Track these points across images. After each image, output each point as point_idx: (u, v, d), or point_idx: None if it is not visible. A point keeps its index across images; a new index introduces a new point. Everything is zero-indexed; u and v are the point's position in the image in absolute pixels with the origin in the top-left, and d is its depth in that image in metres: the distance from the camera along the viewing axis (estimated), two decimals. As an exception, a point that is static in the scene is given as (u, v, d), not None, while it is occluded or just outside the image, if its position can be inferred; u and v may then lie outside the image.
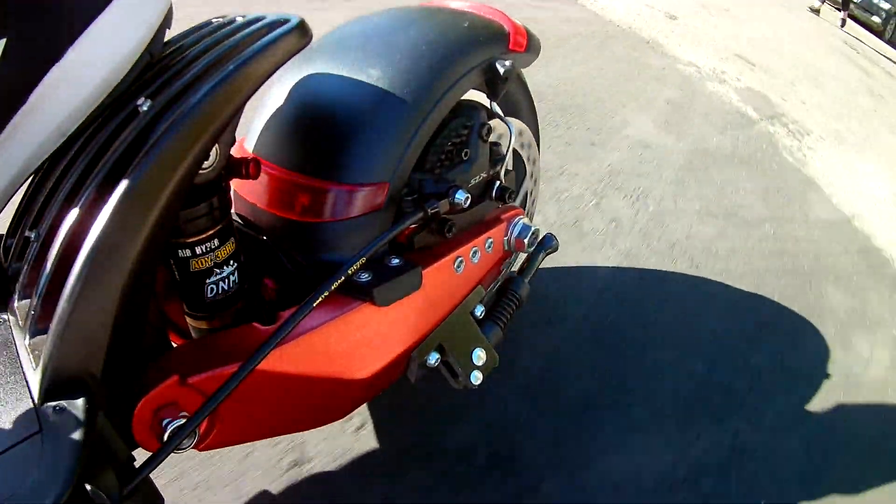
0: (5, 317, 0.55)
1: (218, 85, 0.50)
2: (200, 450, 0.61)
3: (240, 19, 0.60)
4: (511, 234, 0.93)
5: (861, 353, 1.45)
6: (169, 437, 0.54)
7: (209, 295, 0.63)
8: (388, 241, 0.71)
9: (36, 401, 0.47)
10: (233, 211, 0.70)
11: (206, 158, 0.56)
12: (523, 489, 0.94)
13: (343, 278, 0.64)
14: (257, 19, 0.59)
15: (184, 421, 0.55)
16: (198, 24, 0.63)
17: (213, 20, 0.63)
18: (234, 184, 0.81)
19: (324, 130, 0.75)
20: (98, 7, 0.50)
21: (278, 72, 0.70)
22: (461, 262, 0.80)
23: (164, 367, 0.57)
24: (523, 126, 1.08)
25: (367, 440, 0.96)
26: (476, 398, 1.05)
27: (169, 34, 0.59)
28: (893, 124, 3.69)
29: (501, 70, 0.86)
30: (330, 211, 0.73)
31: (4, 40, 0.45)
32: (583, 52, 3.00)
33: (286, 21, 0.57)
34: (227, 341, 0.62)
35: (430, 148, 0.80)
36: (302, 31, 0.57)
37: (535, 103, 1.13)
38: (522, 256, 0.98)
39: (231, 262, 0.64)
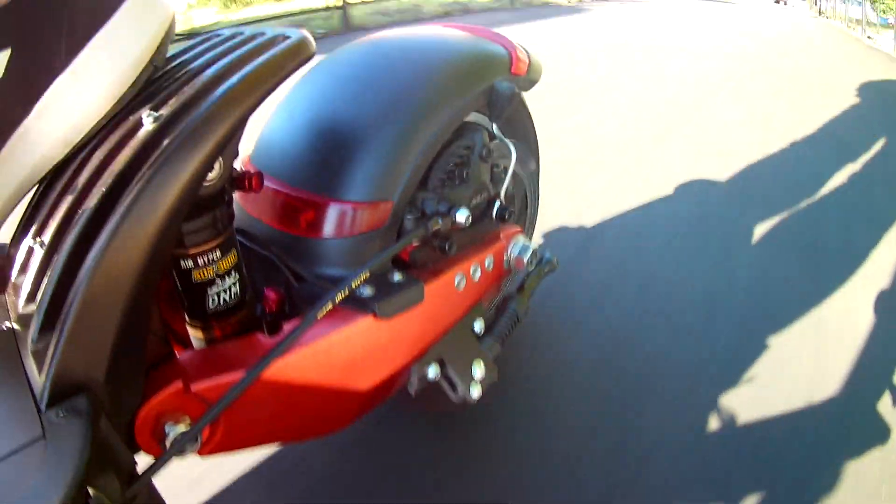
0: (9, 324, 0.55)
1: (221, 99, 0.51)
2: (202, 455, 0.60)
3: (243, 34, 0.61)
4: (511, 252, 0.94)
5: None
6: (171, 442, 0.54)
7: (211, 305, 0.63)
8: (390, 258, 0.72)
9: (39, 406, 0.47)
10: (237, 225, 0.70)
11: (211, 171, 0.56)
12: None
13: (346, 291, 0.64)
14: (260, 34, 0.60)
15: (186, 427, 0.55)
16: (202, 37, 0.64)
17: (217, 33, 0.64)
18: (240, 199, 0.82)
19: (330, 148, 0.76)
20: (102, 18, 0.50)
21: (286, 88, 0.70)
22: (462, 278, 0.81)
23: (168, 374, 0.57)
24: (524, 148, 1.10)
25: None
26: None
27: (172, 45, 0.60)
28: None
29: (503, 93, 0.88)
30: (335, 228, 0.74)
31: (8, 51, 0.46)
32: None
33: (288, 36, 0.58)
34: (231, 350, 0.63)
35: (432, 167, 0.82)
36: (304, 46, 0.57)
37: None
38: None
39: (233, 273, 0.64)
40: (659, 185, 1.94)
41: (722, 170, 2.08)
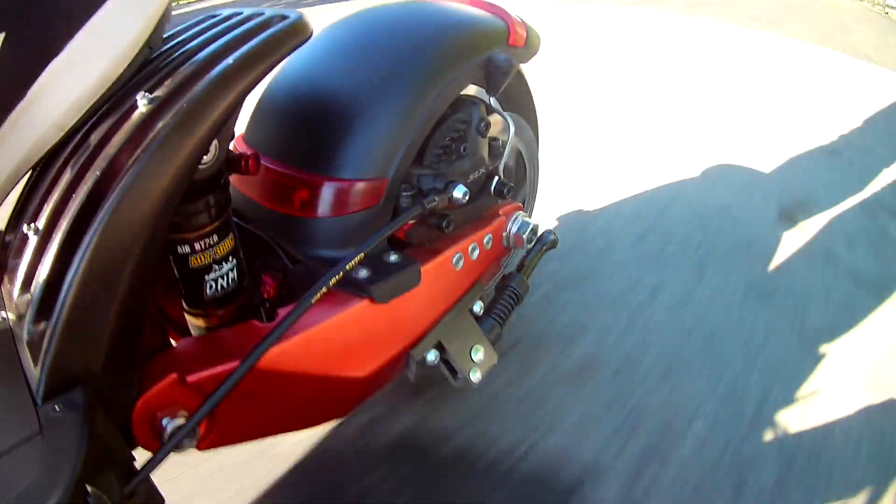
0: (4, 314, 0.55)
1: (217, 80, 0.50)
2: (201, 449, 0.61)
3: (239, 14, 0.60)
4: (510, 230, 0.93)
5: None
6: (168, 436, 0.54)
7: (208, 292, 0.63)
8: (387, 237, 0.71)
9: (36, 400, 0.47)
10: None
11: (206, 153, 0.55)
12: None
13: (341, 274, 0.63)
14: (257, 14, 0.59)
15: (183, 420, 0.55)
16: (198, 19, 0.63)
17: (213, 15, 0.63)
18: (232, 179, 0.81)
19: (323, 125, 0.74)
20: (97, 0, 0.49)
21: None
22: (460, 258, 0.80)
23: (163, 366, 0.57)
24: (522, 121, 1.07)
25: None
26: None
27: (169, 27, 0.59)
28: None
29: (500, 65, 0.85)
30: (329, 206, 0.72)
31: (2, 35, 0.45)
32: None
33: (286, 17, 0.57)
34: (225, 339, 0.62)
35: (428, 143, 0.80)
36: (301, 28, 0.57)
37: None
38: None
39: (230, 258, 0.63)
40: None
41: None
